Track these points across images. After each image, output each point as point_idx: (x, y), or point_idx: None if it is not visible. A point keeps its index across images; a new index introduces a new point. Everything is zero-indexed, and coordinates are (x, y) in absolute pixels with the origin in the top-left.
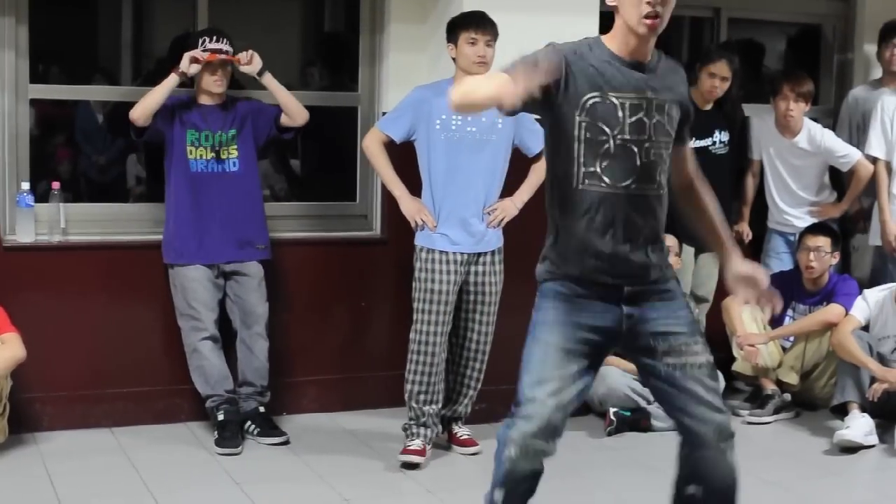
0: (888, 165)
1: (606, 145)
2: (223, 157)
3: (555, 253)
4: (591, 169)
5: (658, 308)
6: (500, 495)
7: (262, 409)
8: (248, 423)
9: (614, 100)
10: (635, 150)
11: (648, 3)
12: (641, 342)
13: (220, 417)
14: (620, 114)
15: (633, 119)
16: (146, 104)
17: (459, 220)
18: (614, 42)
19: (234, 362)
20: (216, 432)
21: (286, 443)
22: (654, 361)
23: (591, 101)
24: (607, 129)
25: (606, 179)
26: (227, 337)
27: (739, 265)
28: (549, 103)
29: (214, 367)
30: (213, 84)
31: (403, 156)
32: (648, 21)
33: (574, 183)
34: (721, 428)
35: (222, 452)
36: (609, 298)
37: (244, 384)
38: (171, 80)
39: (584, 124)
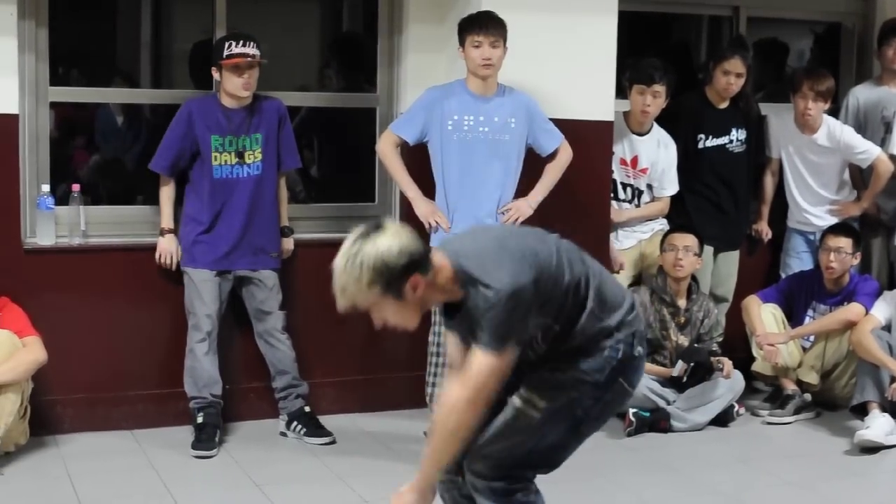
0: None
1: None
2: (247, 160)
3: None
4: None
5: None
6: None
7: (307, 408)
8: (294, 422)
9: None
10: None
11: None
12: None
13: (200, 420)
14: None
15: None
16: None
17: (474, 221)
18: None
19: (250, 361)
20: (194, 433)
21: (332, 443)
22: None
23: None
24: None
25: None
26: (241, 337)
27: None
28: None
29: (205, 371)
30: (241, 88)
31: (418, 157)
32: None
33: None
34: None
35: (197, 454)
36: None
37: (277, 375)
38: None
39: None
